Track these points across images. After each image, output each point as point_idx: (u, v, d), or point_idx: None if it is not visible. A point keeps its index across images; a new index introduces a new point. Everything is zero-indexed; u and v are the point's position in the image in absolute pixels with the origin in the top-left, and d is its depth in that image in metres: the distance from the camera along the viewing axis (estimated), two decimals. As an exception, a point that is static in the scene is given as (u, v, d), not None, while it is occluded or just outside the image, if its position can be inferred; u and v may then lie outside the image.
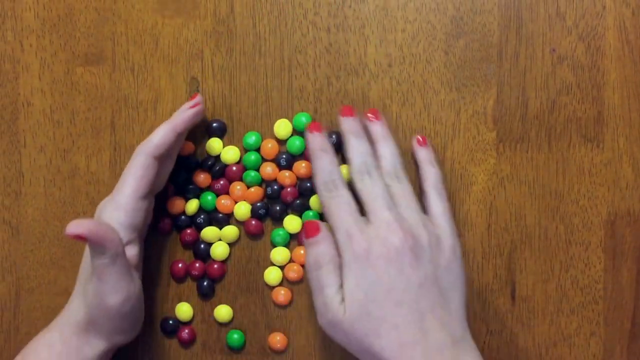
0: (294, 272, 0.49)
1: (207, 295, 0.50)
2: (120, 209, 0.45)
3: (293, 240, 0.50)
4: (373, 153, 0.46)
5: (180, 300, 0.51)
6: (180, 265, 0.50)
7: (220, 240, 0.50)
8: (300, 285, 0.50)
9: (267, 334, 0.50)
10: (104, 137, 0.51)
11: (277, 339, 0.50)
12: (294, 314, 0.50)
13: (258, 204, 0.49)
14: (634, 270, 0.48)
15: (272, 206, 0.49)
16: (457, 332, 0.42)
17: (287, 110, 0.50)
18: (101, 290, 0.43)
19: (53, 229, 0.52)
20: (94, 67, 0.51)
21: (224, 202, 0.50)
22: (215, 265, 0.50)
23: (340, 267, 0.43)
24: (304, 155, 0.49)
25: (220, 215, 0.50)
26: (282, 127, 0.49)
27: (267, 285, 0.50)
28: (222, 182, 0.50)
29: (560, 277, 0.48)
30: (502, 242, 0.49)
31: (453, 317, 0.42)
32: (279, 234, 0.49)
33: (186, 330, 0.50)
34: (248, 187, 0.50)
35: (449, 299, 0.43)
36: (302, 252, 0.49)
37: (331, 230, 0.44)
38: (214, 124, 0.50)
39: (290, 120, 0.49)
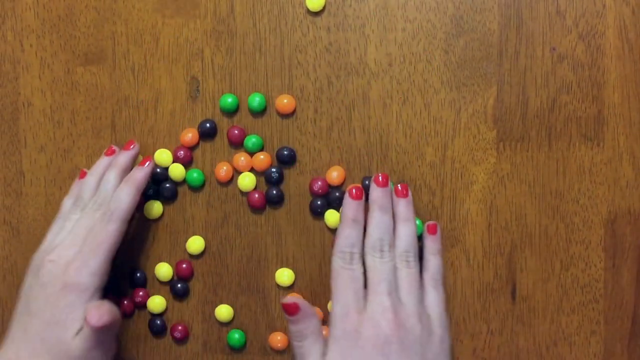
0: None
1: (182, 295, 0.51)
2: (95, 274, 0.46)
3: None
4: (392, 230, 0.47)
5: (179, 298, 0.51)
6: (184, 265, 0.50)
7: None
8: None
9: (268, 333, 0.50)
10: (105, 137, 0.51)
11: (277, 339, 0.50)
12: (295, 314, 0.50)
13: (272, 169, 0.49)
14: (634, 269, 0.48)
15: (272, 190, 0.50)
16: None
17: (288, 109, 0.50)
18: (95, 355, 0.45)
19: (54, 228, 0.52)
20: (94, 67, 0.51)
21: (225, 169, 0.50)
22: (184, 265, 0.51)
23: (321, 337, 0.45)
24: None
25: (168, 186, 0.50)
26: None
27: (277, 286, 0.50)
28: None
29: (561, 276, 0.48)
30: (503, 241, 0.49)
31: None
32: None
33: (179, 327, 0.51)
34: (251, 156, 0.50)
35: None
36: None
37: (310, 308, 0.45)
38: (207, 124, 0.50)
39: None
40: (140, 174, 0.48)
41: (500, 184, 0.48)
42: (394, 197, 0.48)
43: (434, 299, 0.46)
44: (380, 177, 0.47)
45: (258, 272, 0.50)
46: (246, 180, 0.50)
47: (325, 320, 0.50)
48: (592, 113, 0.48)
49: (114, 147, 0.50)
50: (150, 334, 0.51)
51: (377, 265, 0.45)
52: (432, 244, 0.48)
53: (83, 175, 0.50)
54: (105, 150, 0.50)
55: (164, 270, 0.51)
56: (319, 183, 0.49)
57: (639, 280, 0.48)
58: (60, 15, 0.52)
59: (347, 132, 0.49)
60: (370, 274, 0.45)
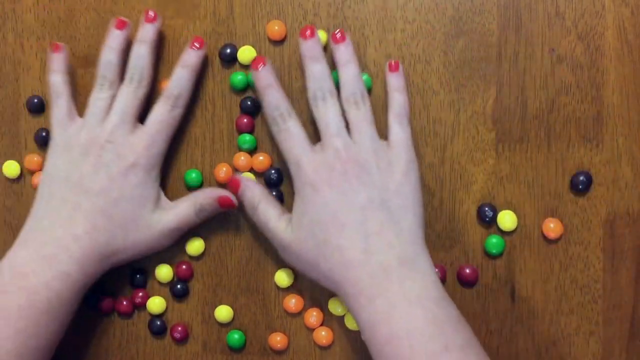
0: (313, 318, 0.50)
1: (181, 296, 0.51)
2: (161, 154, 0.49)
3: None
4: (329, 77, 0.46)
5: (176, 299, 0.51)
6: (184, 266, 0.51)
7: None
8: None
9: (268, 334, 0.51)
10: (105, 138, 0.52)
11: (277, 339, 0.50)
12: (295, 314, 0.50)
13: (272, 170, 0.50)
14: (632, 270, 0.48)
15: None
16: (407, 253, 0.43)
17: (287, 110, 0.50)
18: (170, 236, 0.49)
19: (54, 229, 0.52)
20: (94, 69, 0.52)
21: (224, 170, 0.50)
22: (184, 266, 0.51)
23: (273, 199, 0.47)
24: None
25: None
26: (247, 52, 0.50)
27: (277, 287, 0.50)
28: None
29: (560, 276, 0.48)
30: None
31: (403, 239, 0.44)
32: None
33: (179, 328, 0.51)
34: (251, 156, 0.50)
35: (399, 221, 0.44)
36: None
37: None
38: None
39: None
40: (195, 59, 0.49)
41: (499, 185, 0.49)
42: (332, 44, 0.47)
43: (397, 133, 0.46)
44: (307, 31, 0.46)
45: (257, 273, 0.51)
46: (246, 181, 0.50)
47: (326, 320, 0.50)
48: (591, 114, 0.48)
49: (124, 19, 0.49)
50: (150, 334, 0.52)
51: (321, 112, 0.46)
52: (395, 81, 0.47)
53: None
54: (115, 23, 0.49)
55: (164, 271, 0.51)
56: None
57: (638, 281, 0.48)
58: (61, 16, 0.52)
59: (346, 133, 0.49)
60: (318, 123, 0.46)
